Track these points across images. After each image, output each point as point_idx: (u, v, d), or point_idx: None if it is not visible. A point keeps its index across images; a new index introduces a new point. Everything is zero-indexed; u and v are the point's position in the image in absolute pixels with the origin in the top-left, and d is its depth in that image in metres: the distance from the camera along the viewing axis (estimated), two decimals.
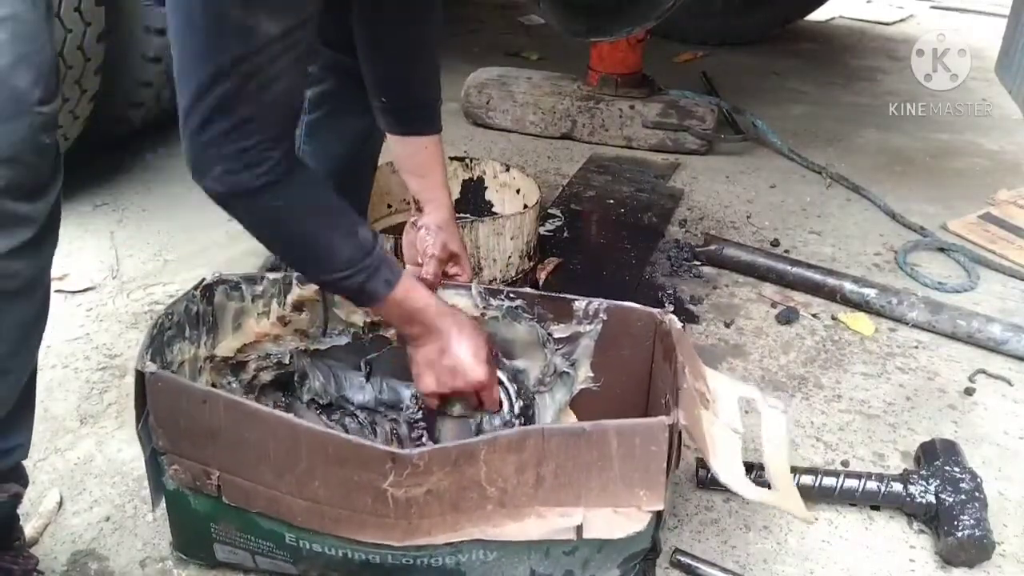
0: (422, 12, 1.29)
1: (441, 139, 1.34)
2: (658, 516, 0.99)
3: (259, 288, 1.24)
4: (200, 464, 1.02)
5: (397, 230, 1.80)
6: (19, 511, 1.10)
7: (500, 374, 1.24)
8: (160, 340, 1.10)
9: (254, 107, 0.91)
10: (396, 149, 1.34)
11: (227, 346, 1.25)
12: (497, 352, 1.25)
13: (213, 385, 1.22)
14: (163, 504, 1.12)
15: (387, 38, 1.30)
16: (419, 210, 1.33)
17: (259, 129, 0.92)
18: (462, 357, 1.14)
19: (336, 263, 1.03)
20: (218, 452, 1.01)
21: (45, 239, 0.92)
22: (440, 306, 1.14)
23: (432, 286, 1.26)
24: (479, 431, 1.24)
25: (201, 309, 1.19)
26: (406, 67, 1.31)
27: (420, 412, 1.30)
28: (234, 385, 1.27)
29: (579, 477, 0.95)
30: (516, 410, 1.25)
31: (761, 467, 1.17)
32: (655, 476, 0.95)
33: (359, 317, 1.28)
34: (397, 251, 1.60)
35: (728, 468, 0.98)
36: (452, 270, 1.33)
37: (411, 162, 1.33)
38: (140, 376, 1.01)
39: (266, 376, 1.30)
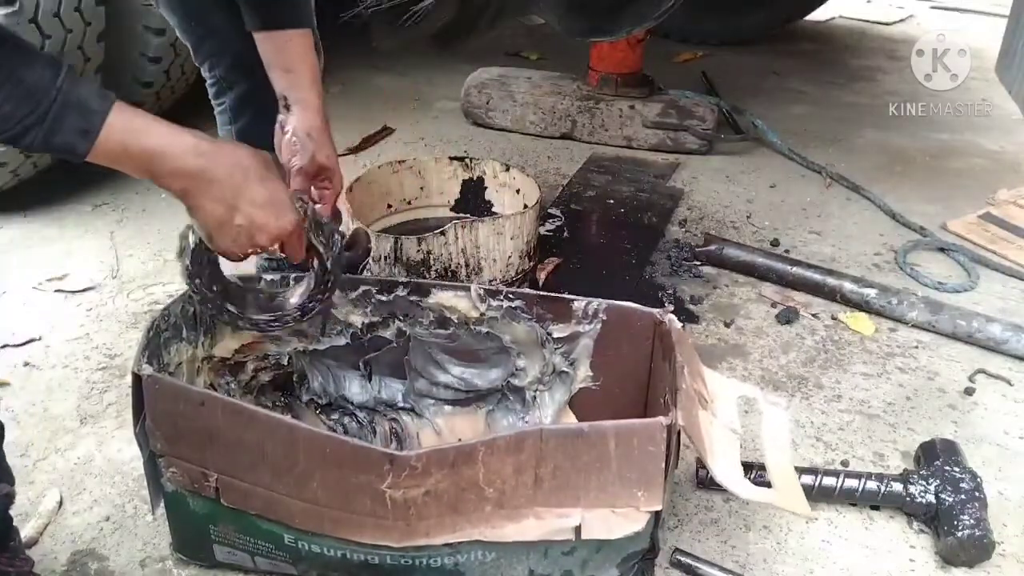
0: None
1: (313, 38, 1.23)
2: (656, 516, 0.99)
3: None
4: (198, 466, 1.02)
5: (397, 230, 1.80)
6: (19, 511, 1.10)
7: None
8: (157, 341, 1.10)
9: None
10: (262, 48, 1.22)
11: (225, 347, 1.25)
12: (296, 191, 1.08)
13: (211, 386, 1.22)
14: (163, 505, 1.12)
15: None
16: (286, 108, 1.20)
17: None
18: (258, 210, 0.94)
19: (3, 125, 0.82)
20: (216, 454, 1.01)
21: None
22: (198, 142, 0.90)
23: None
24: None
25: (198, 310, 1.19)
26: None
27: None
28: (232, 386, 1.27)
29: (577, 478, 0.95)
30: (329, 263, 1.09)
31: (761, 467, 1.17)
32: (653, 476, 0.95)
33: (357, 317, 1.28)
34: (397, 254, 1.60)
35: (725, 468, 0.98)
36: (321, 185, 1.20)
37: (277, 58, 1.20)
38: (137, 379, 1.01)
39: (265, 376, 1.30)
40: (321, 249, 1.07)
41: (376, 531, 0.99)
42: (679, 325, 1.13)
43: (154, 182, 0.91)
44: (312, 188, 1.20)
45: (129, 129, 0.86)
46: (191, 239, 1.01)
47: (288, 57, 1.20)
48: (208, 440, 1.00)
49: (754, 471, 1.21)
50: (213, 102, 1.52)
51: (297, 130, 1.17)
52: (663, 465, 0.94)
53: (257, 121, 1.40)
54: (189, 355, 1.18)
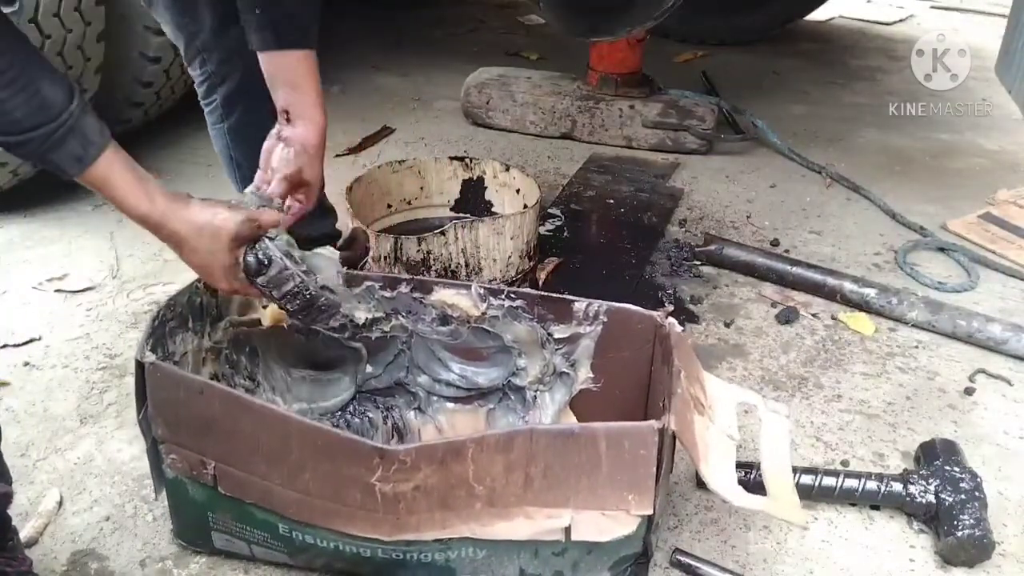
0: None
1: (316, 58, 1.24)
2: (649, 521, 0.99)
3: None
4: (197, 454, 1.04)
5: (397, 230, 1.80)
6: (19, 511, 1.10)
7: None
8: (161, 331, 1.11)
9: None
10: (268, 67, 1.23)
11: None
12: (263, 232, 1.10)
13: (216, 375, 1.23)
14: (164, 497, 1.13)
15: None
16: (287, 122, 1.22)
17: None
18: (197, 270, 1.07)
19: (9, 128, 0.89)
20: (214, 442, 1.02)
21: None
22: (148, 212, 0.99)
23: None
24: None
25: (204, 300, 1.20)
26: None
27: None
28: (237, 379, 1.27)
29: (568, 478, 0.95)
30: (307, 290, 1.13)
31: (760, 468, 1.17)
32: (644, 480, 0.95)
33: (361, 313, 1.28)
34: (397, 254, 1.61)
35: (719, 475, 0.97)
36: (297, 197, 1.22)
37: (284, 75, 1.22)
38: (140, 366, 1.02)
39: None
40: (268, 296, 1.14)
41: (366, 524, 0.99)
42: (679, 329, 1.13)
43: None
44: (288, 198, 1.22)
45: (108, 173, 0.96)
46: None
47: (295, 75, 1.22)
48: (206, 428, 1.01)
49: (754, 471, 1.21)
50: (203, 102, 1.52)
51: (294, 141, 1.20)
52: (654, 469, 0.94)
53: (249, 113, 1.44)
54: (195, 345, 1.19)
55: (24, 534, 1.15)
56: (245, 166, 1.50)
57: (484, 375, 1.32)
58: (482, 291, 1.24)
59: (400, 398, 1.36)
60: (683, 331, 1.14)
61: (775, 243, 2.04)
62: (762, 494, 1.01)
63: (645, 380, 1.22)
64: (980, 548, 1.16)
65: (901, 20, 4.17)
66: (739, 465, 1.12)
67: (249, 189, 1.18)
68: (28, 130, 0.89)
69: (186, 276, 1.78)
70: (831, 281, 1.80)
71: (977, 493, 1.19)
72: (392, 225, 1.87)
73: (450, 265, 1.62)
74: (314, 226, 1.58)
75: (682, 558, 1.16)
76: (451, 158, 1.91)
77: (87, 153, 0.93)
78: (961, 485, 1.20)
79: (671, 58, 3.40)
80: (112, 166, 0.96)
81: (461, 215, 1.91)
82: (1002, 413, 1.49)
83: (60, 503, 1.25)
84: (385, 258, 1.62)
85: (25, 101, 0.88)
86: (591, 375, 1.26)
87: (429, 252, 1.60)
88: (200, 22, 1.42)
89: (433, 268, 1.61)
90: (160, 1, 1.44)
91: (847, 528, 1.25)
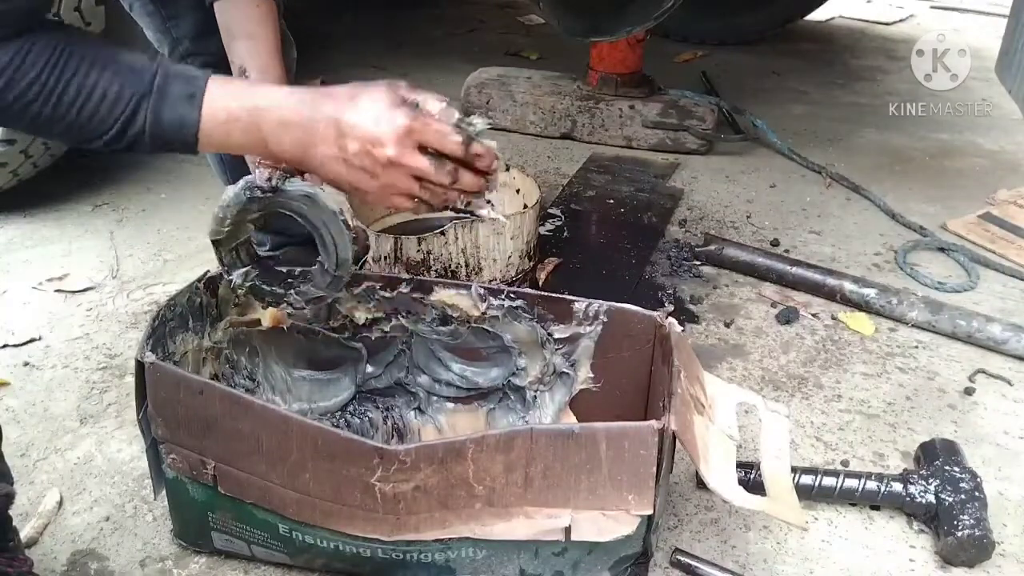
0: None
1: (276, 12, 1.19)
2: (649, 521, 0.99)
3: None
4: (196, 454, 1.03)
5: (397, 230, 1.80)
6: (19, 511, 1.10)
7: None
8: (162, 331, 1.11)
9: None
10: (223, 18, 1.17)
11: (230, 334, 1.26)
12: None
13: (216, 375, 1.23)
14: (164, 496, 1.13)
15: None
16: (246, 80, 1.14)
17: None
18: (366, 129, 0.88)
19: (115, 108, 0.84)
20: (214, 442, 1.02)
21: None
22: (291, 89, 0.90)
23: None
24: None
25: (205, 300, 1.20)
26: None
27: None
28: (236, 379, 1.27)
29: (568, 478, 0.95)
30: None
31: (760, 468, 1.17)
32: (644, 480, 0.95)
33: (361, 313, 1.28)
34: (397, 254, 1.60)
35: (719, 474, 0.97)
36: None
37: (240, 24, 1.15)
38: (140, 366, 1.02)
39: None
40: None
41: (367, 524, 0.99)
42: (679, 329, 1.12)
43: (268, 149, 0.90)
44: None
45: (229, 91, 0.87)
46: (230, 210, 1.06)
47: (251, 23, 1.15)
48: (206, 428, 1.01)
49: (754, 471, 1.21)
50: None
51: None
52: (654, 469, 0.94)
53: None
54: (195, 345, 1.19)
55: (24, 534, 1.15)
56: (234, 162, 1.52)
57: (484, 375, 1.32)
58: (482, 291, 1.24)
59: (400, 398, 1.36)
60: (683, 331, 1.14)
61: (775, 243, 2.04)
62: (762, 494, 1.01)
63: (645, 380, 1.22)
64: (980, 548, 1.16)
65: (901, 20, 4.18)
66: (739, 465, 1.12)
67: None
68: (132, 95, 0.84)
69: (186, 276, 1.79)
70: (831, 281, 1.80)
71: (977, 493, 1.19)
72: (392, 225, 1.86)
73: (450, 265, 1.62)
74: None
75: (682, 558, 1.16)
76: None
77: (196, 85, 0.86)
78: (961, 485, 1.20)
79: (671, 58, 3.40)
80: (228, 83, 0.88)
81: (461, 215, 1.90)
82: (1002, 413, 1.49)
83: (60, 503, 1.25)
84: (385, 258, 1.62)
85: (116, 72, 0.84)
86: (591, 375, 1.26)
87: (429, 252, 1.60)
88: (182, 28, 1.43)
89: (433, 268, 1.61)
90: (140, 8, 1.45)
91: (847, 528, 1.25)
